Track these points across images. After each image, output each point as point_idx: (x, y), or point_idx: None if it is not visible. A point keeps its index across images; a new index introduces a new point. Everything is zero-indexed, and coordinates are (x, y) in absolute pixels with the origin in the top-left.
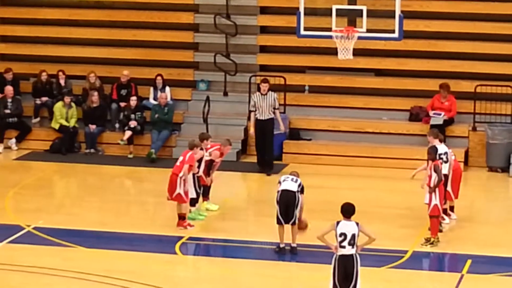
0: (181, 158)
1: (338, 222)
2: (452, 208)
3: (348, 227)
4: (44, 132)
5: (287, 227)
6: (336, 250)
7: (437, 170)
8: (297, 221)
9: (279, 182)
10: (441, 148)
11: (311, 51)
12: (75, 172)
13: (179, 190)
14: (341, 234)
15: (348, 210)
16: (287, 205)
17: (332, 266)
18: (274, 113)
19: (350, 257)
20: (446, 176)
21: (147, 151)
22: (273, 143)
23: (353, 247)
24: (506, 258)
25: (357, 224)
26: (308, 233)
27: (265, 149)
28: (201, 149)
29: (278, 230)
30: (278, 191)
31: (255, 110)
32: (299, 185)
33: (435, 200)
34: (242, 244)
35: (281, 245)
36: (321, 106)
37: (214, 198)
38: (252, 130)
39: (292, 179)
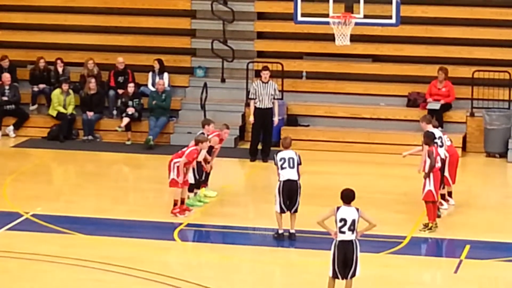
0: (185, 149)
1: (338, 208)
2: (450, 194)
3: (348, 212)
4: (42, 119)
5: (287, 213)
6: (336, 236)
7: (430, 156)
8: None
9: (276, 164)
10: (436, 133)
11: (309, 37)
12: (73, 159)
13: (173, 175)
14: (341, 220)
15: (348, 196)
16: (290, 195)
17: (331, 252)
18: (273, 103)
19: (349, 242)
20: (443, 160)
21: (144, 138)
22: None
23: (353, 233)
24: (505, 243)
25: (357, 209)
26: (307, 218)
27: (262, 138)
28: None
29: (276, 216)
30: (279, 181)
31: (255, 98)
32: (297, 164)
33: (429, 186)
34: (240, 230)
35: (280, 231)
36: (319, 92)
37: (213, 184)
38: (252, 118)
39: (289, 164)
